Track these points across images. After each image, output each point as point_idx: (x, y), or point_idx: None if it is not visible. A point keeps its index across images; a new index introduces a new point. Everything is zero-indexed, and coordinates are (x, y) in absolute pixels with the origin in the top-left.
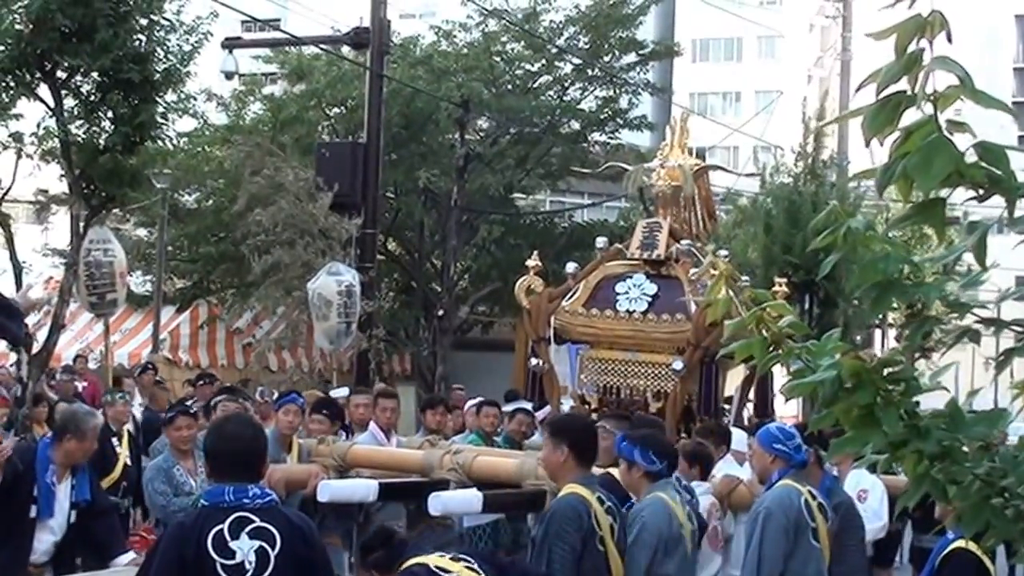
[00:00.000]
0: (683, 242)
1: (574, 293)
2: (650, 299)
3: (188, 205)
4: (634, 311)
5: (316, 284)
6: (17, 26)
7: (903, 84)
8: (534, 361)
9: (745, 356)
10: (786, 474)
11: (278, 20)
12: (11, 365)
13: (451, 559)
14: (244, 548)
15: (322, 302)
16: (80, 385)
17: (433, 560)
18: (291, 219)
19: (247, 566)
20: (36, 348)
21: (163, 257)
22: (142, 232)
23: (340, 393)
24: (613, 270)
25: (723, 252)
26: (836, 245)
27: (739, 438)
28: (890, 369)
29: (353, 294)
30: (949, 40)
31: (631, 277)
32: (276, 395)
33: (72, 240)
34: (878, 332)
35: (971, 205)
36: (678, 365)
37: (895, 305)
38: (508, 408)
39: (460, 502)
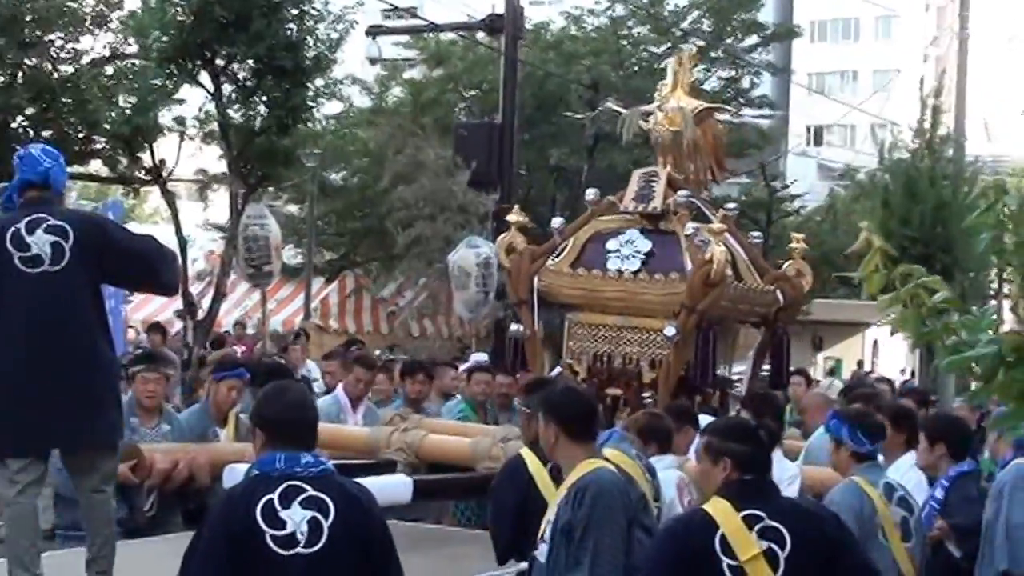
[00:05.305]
0: (681, 192)
1: (561, 251)
2: (644, 257)
3: (336, 183)
4: (624, 270)
5: (456, 256)
6: (179, 18)
7: None
8: (514, 327)
9: (900, 329)
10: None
11: (416, 8)
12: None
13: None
14: (296, 518)
15: (461, 273)
16: (239, 350)
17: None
18: (432, 195)
19: (299, 537)
20: (201, 315)
21: (313, 231)
22: (293, 208)
23: (479, 358)
24: (605, 225)
25: (731, 205)
26: (987, 224)
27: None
28: None
29: (491, 265)
30: None
31: (624, 233)
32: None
33: (231, 216)
34: (993, 304)
35: None
36: (670, 331)
37: None
38: (463, 367)
39: (383, 489)
